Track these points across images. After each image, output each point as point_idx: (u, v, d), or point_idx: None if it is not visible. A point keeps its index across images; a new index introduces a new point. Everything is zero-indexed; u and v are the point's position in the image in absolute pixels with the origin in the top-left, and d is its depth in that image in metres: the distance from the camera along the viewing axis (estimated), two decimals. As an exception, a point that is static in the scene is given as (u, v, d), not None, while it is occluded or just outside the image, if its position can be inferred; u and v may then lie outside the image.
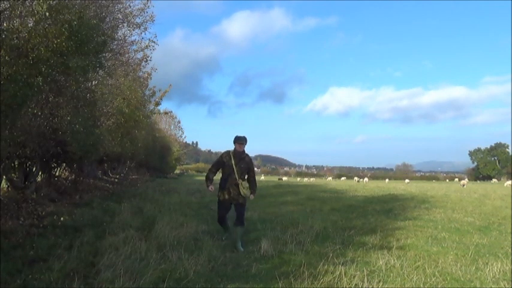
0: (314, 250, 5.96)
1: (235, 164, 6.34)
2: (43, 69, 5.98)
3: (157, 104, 22.09)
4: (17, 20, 5.87)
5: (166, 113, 41.37)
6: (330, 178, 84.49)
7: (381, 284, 4.31)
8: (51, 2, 5.74)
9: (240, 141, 6.45)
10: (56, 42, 5.86)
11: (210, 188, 6.51)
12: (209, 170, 6.70)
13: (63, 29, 5.89)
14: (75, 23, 6.05)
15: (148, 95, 19.41)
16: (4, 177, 9.22)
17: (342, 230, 7.65)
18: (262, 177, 70.20)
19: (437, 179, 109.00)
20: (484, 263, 5.30)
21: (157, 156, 38.13)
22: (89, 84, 10.53)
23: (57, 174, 13.90)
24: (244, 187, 6.33)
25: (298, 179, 73.61)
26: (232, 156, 6.41)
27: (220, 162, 6.52)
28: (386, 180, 71.89)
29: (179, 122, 54.95)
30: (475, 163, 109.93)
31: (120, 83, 13.54)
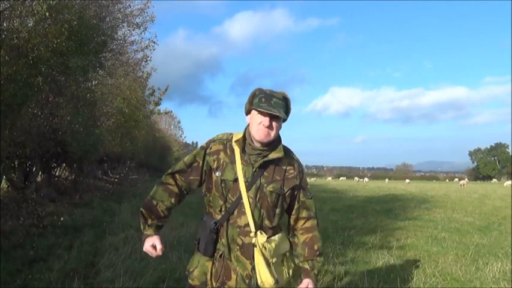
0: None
1: (247, 180, 1.86)
2: (43, 69, 5.98)
3: (157, 104, 22.08)
4: (17, 20, 5.86)
5: (166, 113, 41.36)
6: (330, 178, 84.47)
7: (381, 284, 4.31)
8: (51, 2, 5.73)
9: (270, 106, 1.79)
10: (56, 42, 5.85)
11: (148, 245, 2.07)
12: (158, 182, 2.06)
13: (63, 29, 5.89)
14: (75, 23, 6.05)
15: (147, 95, 19.42)
16: (4, 177, 9.21)
17: (342, 230, 7.65)
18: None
19: (437, 179, 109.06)
20: (484, 263, 5.30)
21: (157, 156, 38.11)
22: (89, 84, 10.54)
23: (57, 174, 13.90)
24: (271, 254, 1.88)
25: (298, 179, 73.37)
26: (237, 153, 1.90)
27: (197, 166, 1.99)
28: (386, 180, 71.88)
29: (179, 122, 54.82)
30: (475, 163, 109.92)
31: (120, 83, 13.55)
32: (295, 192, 1.96)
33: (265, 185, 1.86)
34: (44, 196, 10.11)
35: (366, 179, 59.38)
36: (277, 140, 1.91)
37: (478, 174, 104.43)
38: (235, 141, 1.90)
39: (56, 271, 4.34)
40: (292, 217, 2.01)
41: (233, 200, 1.87)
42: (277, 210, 1.91)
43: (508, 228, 8.48)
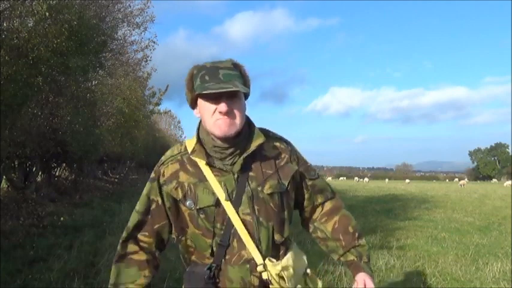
0: (314, 250, 5.96)
1: (232, 193, 1.30)
2: (43, 69, 5.99)
3: (157, 104, 22.08)
4: (17, 20, 5.87)
5: (165, 113, 41.40)
6: (330, 178, 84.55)
7: (381, 284, 4.31)
8: (51, 2, 5.74)
9: (220, 82, 1.23)
10: (56, 42, 5.86)
11: None
12: (116, 258, 1.48)
13: (63, 29, 5.89)
14: (75, 23, 6.06)
15: (148, 95, 19.44)
16: (4, 177, 9.22)
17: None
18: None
19: (437, 179, 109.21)
20: (484, 263, 5.30)
21: (157, 156, 38.02)
22: (89, 84, 10.55)
23: (57, 174, 13.91)
24: (292, 283, 1.33)
25: (298, 179, 73.36)
26: (202, 165, 1.33)
27: (157, 208, 1.40)
28: (386, 180, 71.92)
29: (179, 122, 54.86)
30: (475, 163, 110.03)
31: (120, 83, 13.57)
32: (299, 180, 1.43)
33: (259, 189, 1.31)
34: (44, 196, 10.12)
35: (366, 179, 59.41)
36: (247, 124, 1.34)
37: (478, 174, 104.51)
38: (193, 152, 1.32)
39: (56, 271, 4.34)
40: (307, 210, 1.50)
41: (224, 229, 1.29)
42: (286, 214, 1.37)
43: (508, 228, 8.48)
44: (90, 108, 10.32)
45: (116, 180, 23.27)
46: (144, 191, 1.42)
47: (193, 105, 1.34)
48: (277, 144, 1.41)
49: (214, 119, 1.26)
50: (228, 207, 1.28)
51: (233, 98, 1.26)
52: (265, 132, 1.40)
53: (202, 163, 1.31)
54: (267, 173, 1.33)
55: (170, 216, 1.38)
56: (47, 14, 5.65)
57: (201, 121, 1.34)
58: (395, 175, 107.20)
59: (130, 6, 11.44)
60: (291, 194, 1.40)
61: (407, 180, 56.37)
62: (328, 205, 1.50)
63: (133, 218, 1.42)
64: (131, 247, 1.42)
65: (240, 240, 1.28)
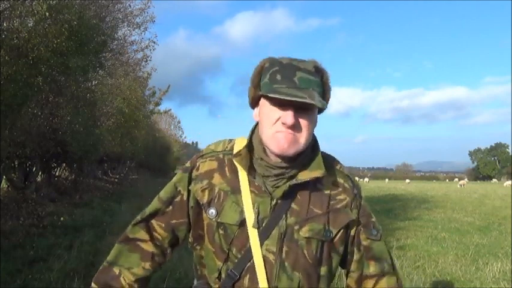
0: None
1: (262, 221, 1.05)
2: (43, 69, 6.00)
3: (157, 104, 22.12)
4: (17, 20, 5.87)
5: (166, 112, 41.44)
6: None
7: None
8: (51, 2, 5.74)
9: (294, 87, 0.97)
10: (56, 42, 5.86)
11: None
12: (122, 239, 1.19)
13: (63, 29, 5.90)
14: (75, 23, 6.06)
15: (148, 95, 19.46)
16: (4, 177, 9.22)
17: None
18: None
19: (437, 178, 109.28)
20: (484, 263, 5.30)
21: (157, 156, 38.15)
22: (89, 84, 10.55)
23: (57, 174, 13.91)
24: None
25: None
26: (242, 175, 1.10)
27: (181, 202, 1.16)
28: (386, 180, 71.95)
29: (179, 122, 54.85)
30: (475, 163, 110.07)
31: (120, 83, 13.57)
32: (352, 233, 1.13)
33: (296, 228, 1.05)
34: (44, 196, 10.11)
35: (366, 179, 59.38)
36: (311, 146, 1.09)
37: (478, 174, 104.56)
38: (237, 155, 1.08)
39: (56, 271, 4.35)
40: (352, 275, 1.16)
41: (239, 257, 1.06)
42: (323, 270, 1.08)
43: (508, 228, 8.49)
44: (90, 108, 10.32)
45: (116, 180, 23.26)
46: (174, 179, 1.20)
47: (254, 104, 1.10)
48: (341, 181, 1.13)
49: (275, 130, 1.01)
50: (253, 235, 1.04)
51: (305, 110, 1.01)
52: (330, 162, 1.14)
53: (242, 172, 1.09)
54: (313, 211, 1.07)
55: (191, 217, 1.16)
56: (47, 14, 5.64)
57: (256, 125, 1.12)
58: (395, 175, 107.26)
59: (130, 6, 11.46)
60: (337, 246, 1.10)
61: (407, 180, 56.40)
62: (383, 283, 1.13)
63: (153, 205, 1.20)
64: (142, 234, 1.18)
65: (252, 278, 1.04)
